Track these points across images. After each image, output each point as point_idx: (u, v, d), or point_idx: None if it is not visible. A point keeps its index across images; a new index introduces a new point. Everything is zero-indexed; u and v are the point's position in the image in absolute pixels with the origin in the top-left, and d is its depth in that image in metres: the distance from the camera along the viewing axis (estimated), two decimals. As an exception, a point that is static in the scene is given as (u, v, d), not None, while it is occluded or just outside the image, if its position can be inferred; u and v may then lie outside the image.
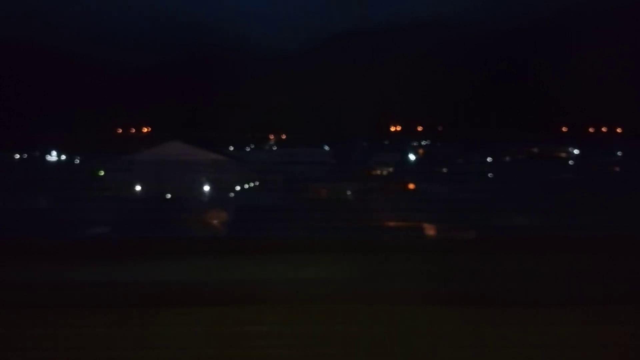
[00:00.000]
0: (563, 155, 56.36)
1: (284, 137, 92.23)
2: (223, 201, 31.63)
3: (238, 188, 38.74)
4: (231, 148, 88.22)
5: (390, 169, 58.96)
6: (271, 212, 26.43)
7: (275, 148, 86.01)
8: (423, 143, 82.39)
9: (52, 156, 72.73)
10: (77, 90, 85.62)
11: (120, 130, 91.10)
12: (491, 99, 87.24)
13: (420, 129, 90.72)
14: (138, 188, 35.97)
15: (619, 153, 49.68)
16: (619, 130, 77.47)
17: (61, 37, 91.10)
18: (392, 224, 26.86)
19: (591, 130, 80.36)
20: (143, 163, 38.74)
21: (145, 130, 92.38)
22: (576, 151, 55.65)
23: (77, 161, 72.21)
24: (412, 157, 63.32)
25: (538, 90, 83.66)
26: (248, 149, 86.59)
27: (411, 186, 40.23)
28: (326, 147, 73.03)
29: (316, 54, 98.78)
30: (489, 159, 57.00)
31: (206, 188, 36.58)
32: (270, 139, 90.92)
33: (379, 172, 58.79)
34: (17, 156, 73.44)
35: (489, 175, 45.15)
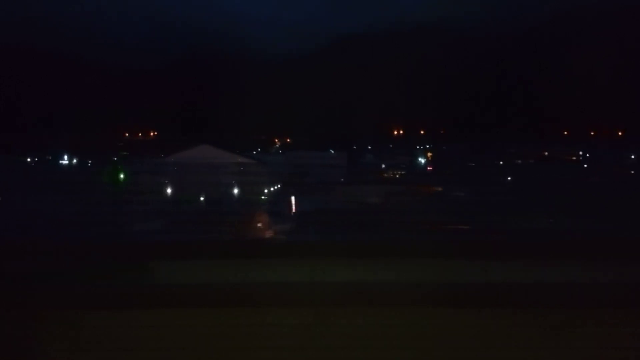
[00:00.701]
0: (573, 158, 57.37)
1: (288, 140, 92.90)
2: (265, 204, 32.47)
3: (266, 190, 39.70)
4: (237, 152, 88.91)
5: (403, 172, 60.17)
6: (324, 214, 27.33)
7: (280, 151, 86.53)
8: (428, 146, 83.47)
9: (64, 159, 73.12)
10: (86, 95, 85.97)
11: (126, 134, 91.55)
12: (493, 102, 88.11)
13: (422, 132, 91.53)
14: (171, 190, 36.77)
15: (632, 156, 50.95)
16: (620, 133, 78.46)
17: (72, 42, 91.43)
18: (441, 227, 27.82)
19: (592, 133, 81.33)
20: (176, 165, 39.53)
21: (152, 134, 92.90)
22: (587, 154, 56.65)
23: (90, 164, 72.79)
24: (421, 160, 64.33)
25: (539, 94, 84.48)
26: (254, 152, 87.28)
27: (437, 189, 41.34)
28: (331, 151, 73.81)
29: (320, 58, 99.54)
30: (499, 162, 58.22)
31: (238, 190, 37.47)
32: (275, 143, 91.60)
33: (391, 174, 59.99)
34: (27, 160, 73.95)
35: (508, 178, 46.42)
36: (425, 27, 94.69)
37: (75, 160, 73.99)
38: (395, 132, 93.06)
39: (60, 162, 72.63)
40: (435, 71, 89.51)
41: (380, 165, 63.52)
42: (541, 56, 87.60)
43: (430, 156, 68.66)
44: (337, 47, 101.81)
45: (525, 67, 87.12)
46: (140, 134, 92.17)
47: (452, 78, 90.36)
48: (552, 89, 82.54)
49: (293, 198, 34.86)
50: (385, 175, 59.85)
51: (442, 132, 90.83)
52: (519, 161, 57.14)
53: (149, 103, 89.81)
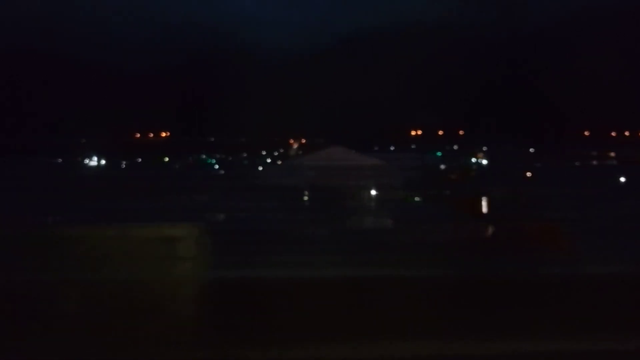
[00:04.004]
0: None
1: (303, 141, 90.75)
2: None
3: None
4: (263, 152, 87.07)
5: (473, 174, 58.69)
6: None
7: (300, 152, 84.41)
8: (455, 147, 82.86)
9: (93, 160, 69.93)
10: (99, 97, 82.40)
11: (138, 135, 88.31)
12: (508, 103, 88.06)
13: (441, 132, 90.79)
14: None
15: None
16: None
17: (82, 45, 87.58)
18: None
19: (613, 134, 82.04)
20: (312, 168, 36.96)
21: (163, 134, 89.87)
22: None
23: (123, 165, 69.61)
24: (483, 161, 63.25)
25: (559, 95, 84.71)
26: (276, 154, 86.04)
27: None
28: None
29: (330, 58, 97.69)
30: (575, 164, 57.39)
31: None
32: (291, 144, 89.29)
33: (462, 176, 58.36)
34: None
35: (622, 179, 45.12)
36: (444, 27, 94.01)
37: (103, 162, 70.89)
38: (413, 133, 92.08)
39: (90, 163, 69.39)
40: (456, 71, 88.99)
41: (439, 166, 62.00)
42: (562, 56, 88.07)
43: (481, 157, 67.64)
44: (348, 46, 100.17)
45: (554, 67, 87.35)
46: (151, 134, 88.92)
47: (469, 77, 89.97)
48: (571, 89, 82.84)
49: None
50: (452, 177, 57.90)
51: (460, 132, 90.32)
52: (594, 162, 56.30)
53: (156, 104, 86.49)
